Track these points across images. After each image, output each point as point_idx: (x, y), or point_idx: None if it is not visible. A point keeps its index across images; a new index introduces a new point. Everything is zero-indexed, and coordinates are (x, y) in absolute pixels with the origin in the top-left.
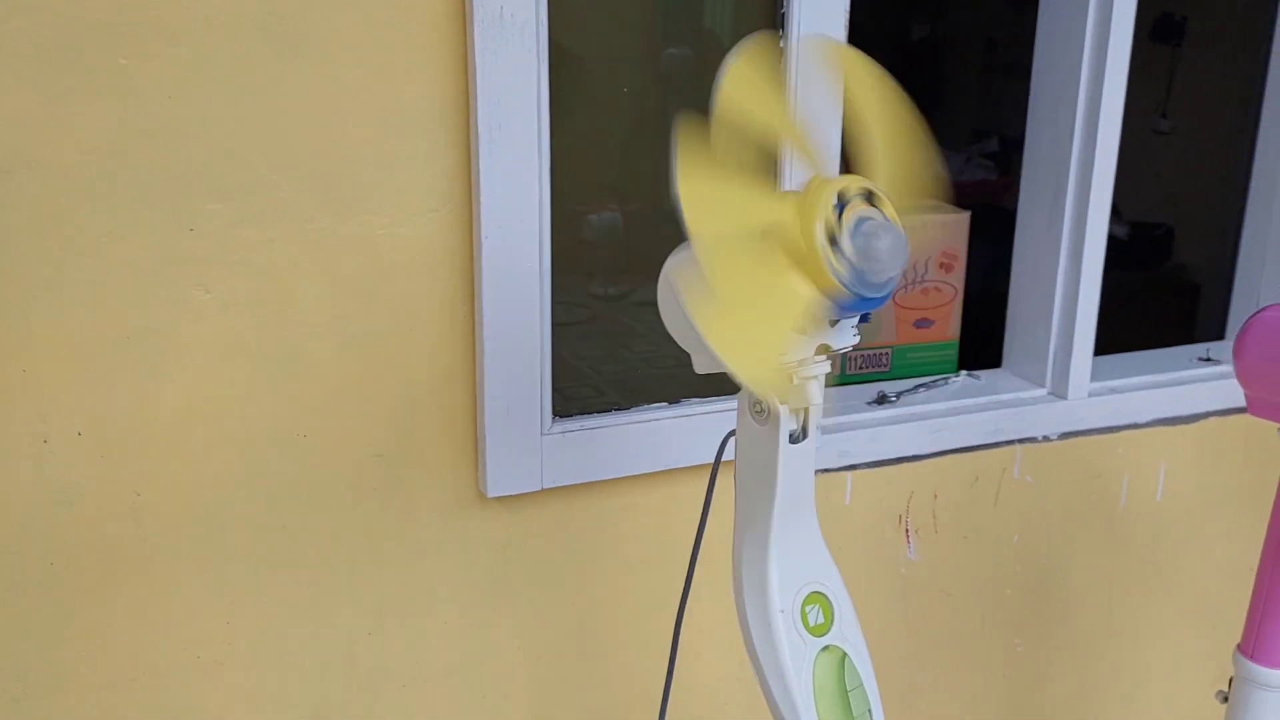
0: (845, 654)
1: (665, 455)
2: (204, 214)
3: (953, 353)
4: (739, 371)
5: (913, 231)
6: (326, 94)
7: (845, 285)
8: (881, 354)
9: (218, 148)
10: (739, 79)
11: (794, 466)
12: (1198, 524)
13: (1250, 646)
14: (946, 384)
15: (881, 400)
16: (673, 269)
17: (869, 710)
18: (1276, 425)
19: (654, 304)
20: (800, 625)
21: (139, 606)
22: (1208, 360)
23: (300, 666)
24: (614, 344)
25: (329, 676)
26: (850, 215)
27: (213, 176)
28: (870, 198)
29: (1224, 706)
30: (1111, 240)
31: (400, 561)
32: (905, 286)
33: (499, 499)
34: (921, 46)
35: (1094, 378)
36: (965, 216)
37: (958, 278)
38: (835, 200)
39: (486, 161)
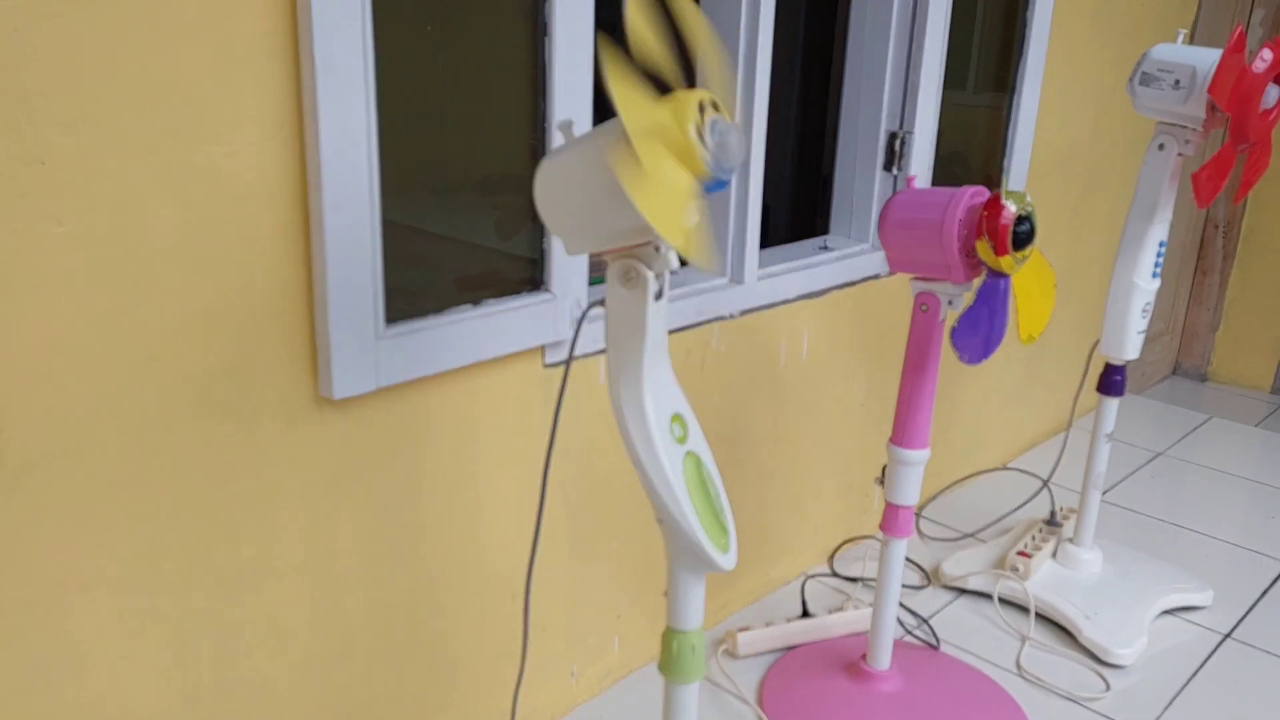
0: (699, 456)
1: (474, 350)
2: (55, 147)
3: None
4: (661, 224)
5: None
6: (166, 28)
7: (709, 169)
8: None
9: (66, 80)
10: (637, 17)
11: (657, 318)
12: (827, 372)
13: (898, 436)
14: None
15: None
16: (578, 159)
17: (719, 493)
18: (910, 276)
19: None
20: (670, 438)
21: (4, 545)
22: (825, 249)
23: (164, 580)
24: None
25: (191, 586)
26: (708, 119)
27: (62, 109)
28: (715, 106)
29: (880, 487)
30: None
31: (250, 469)
32: None
33: (336, 402)
34: None
35: (759, 266)
36: None
37: None
38: (698, 107)
39: (324, 92)
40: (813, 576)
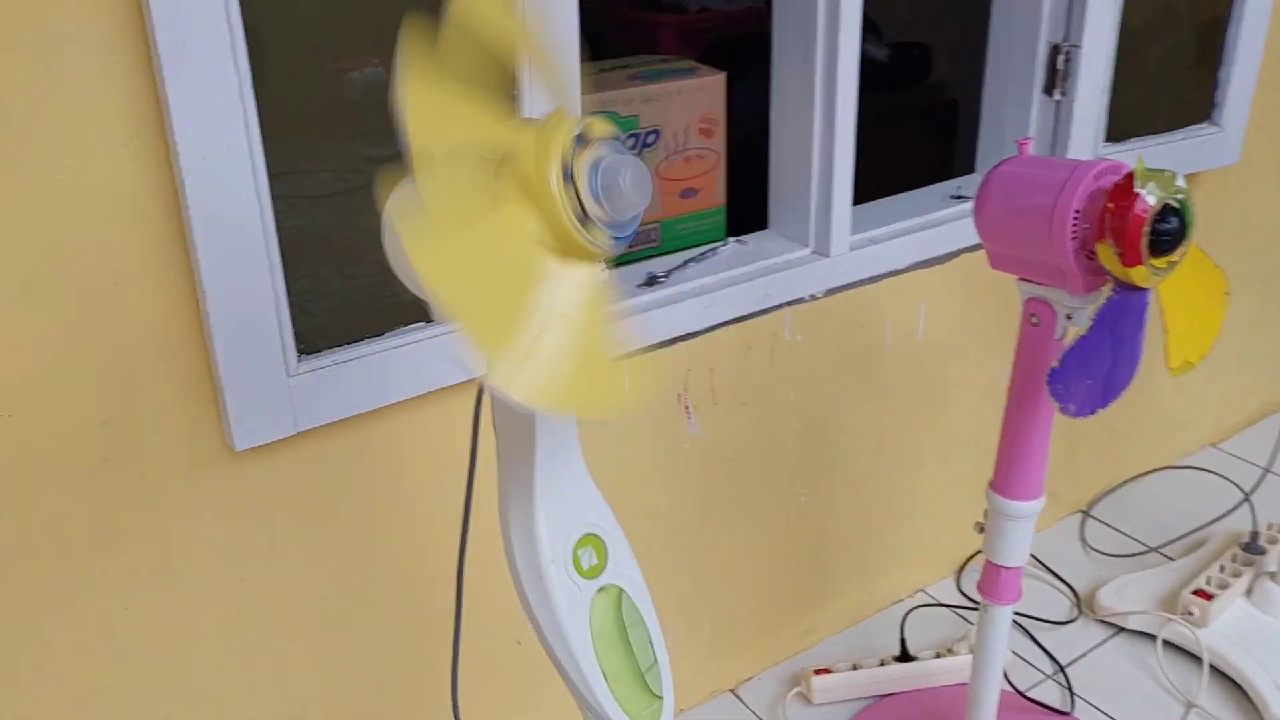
0: (622, 590)
1: (426, 378)
2: None
3: (721, 219)
4: (475, 330)
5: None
6: None
7: (595, 237)
8: (650, 230)
9: None
10: None
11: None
12: (956, 355)
13: (1000, 483)
14: (715, 254)
15: (651, 282)
16: (393, 207)
17: (650, 642)
18: (1016, 278)
19: None
20: (573, 571)
21: None
22: (959, 198)
23: (54, 656)
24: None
25: (87, 660)
26: (586, 159)
27: None
28: (596, 134)
29: (980, 536)
30: (872, 64)
31: (148, 529)
32: (666, 157)
33: (251, 450)
34: None
35: (854, 230)
36: (721, 78)
37: (719, 143)
38: (574, 139)
39: (174, 87)
40: (924, 604)
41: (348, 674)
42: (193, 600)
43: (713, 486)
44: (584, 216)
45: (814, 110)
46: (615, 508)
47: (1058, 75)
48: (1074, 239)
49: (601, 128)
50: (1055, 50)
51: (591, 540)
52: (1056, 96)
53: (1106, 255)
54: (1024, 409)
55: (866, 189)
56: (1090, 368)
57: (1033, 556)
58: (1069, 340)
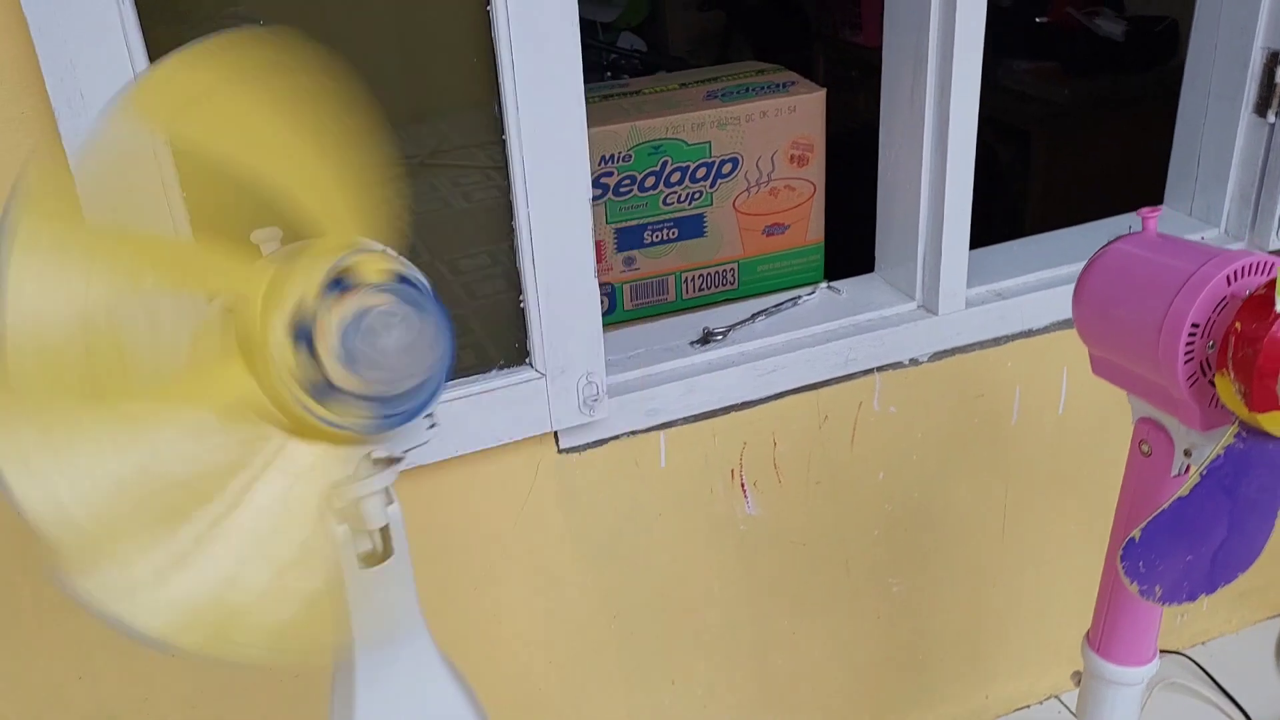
0: None
1: (450, 442)
2: None
3: (817, 259)
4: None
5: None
6: None
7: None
8: (725, 270)
9: None
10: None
11: (376, 594)
12: (1108, 430)
13: (1098, 638)
14: (795, 306)
15: (706, 339)
16: None
17: None
18: (1127, 393)
19: None
20: None
21: None
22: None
23: None
24: None
25: None
26: (341, 312)
27: None
28: (369, 270)
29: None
30: (1108, 42)
31: None
32: (746, 189)
33: None
34: None
35: (975, 280)
36: (819, 96)
37: (815, 170)
38: (327, 279)
39: (73, 143)
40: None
41: None
42: (151, 669)
43: (778, 573)
44: (327, 386)
45: (923, 134)
46: (657, 593)
47: (1276, 91)
48: (1188, 361)
49: (377, 266)
50: (1274, 59)
51: None
52: (1271, 119)
53: (1227, 391)
54: None
55: (1089, 186)
56: (1190, 540)
57: (1205, 673)
58: (1197, 469)
